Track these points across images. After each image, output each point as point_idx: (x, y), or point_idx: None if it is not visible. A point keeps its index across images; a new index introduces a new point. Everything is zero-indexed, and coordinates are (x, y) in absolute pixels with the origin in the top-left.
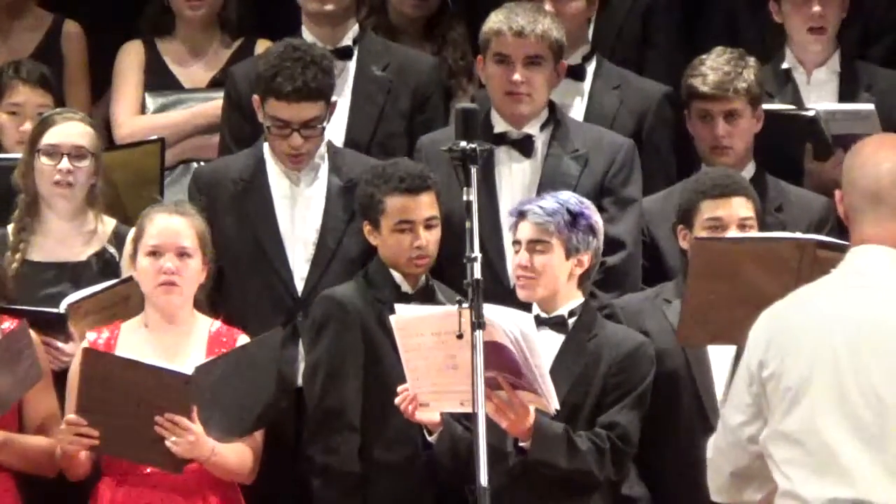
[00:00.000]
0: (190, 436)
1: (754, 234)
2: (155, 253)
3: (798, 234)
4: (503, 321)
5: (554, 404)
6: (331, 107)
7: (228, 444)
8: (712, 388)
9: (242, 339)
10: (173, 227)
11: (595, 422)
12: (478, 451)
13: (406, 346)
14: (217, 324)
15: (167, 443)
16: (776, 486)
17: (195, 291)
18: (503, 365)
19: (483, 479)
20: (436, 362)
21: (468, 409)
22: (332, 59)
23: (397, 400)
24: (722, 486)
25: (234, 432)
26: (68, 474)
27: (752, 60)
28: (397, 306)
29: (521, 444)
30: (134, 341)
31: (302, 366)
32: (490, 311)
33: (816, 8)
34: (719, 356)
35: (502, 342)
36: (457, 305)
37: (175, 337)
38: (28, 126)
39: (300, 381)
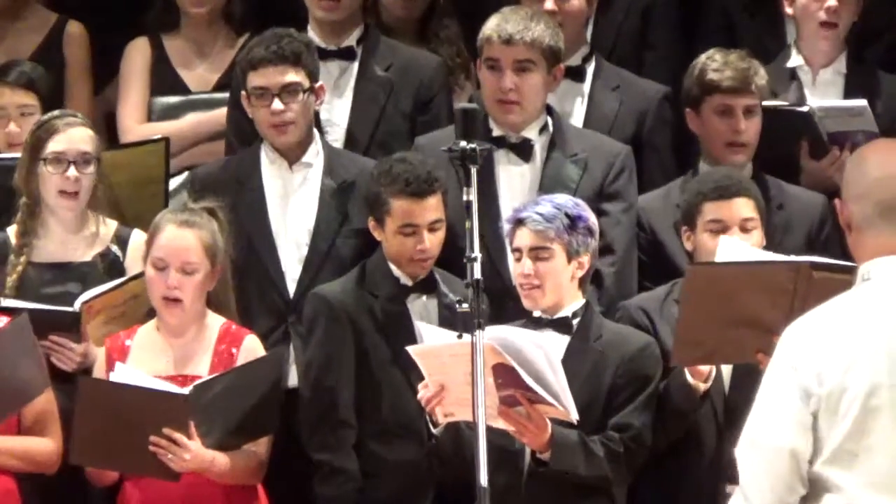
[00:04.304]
0: (186, 453)
1: (749, 258)
2: (160, 265)
3: (792, 257)
4: (524, 342)
5: (574, 415)
6: (318, 88)
7: (231, 452)
8: (723, 389)
9: (249, 339)
10: (179, 241)
11: (605, 423)
12: (478, 452)
13: (427, 366)
14: (227, 323)
15: (164, 459)
16: None
17: (204, 296)
18: (518, 384)
19: (483, 479)
20: (457, 378)
21: (494, 423)
22: (311, 42)
23: (419, 394)
24: None
25: (232, 444)
26: (97, 481)
27: (757, 62)
28: (418, 324)
29: (539, 455)
30: (148, 345)
31: (293, 368)
32: (508, 332)
33: (832, 2)
34: None
35: (510, 365)
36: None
37: (188, 340)
38: (13, 127)
39: (291, 383)
